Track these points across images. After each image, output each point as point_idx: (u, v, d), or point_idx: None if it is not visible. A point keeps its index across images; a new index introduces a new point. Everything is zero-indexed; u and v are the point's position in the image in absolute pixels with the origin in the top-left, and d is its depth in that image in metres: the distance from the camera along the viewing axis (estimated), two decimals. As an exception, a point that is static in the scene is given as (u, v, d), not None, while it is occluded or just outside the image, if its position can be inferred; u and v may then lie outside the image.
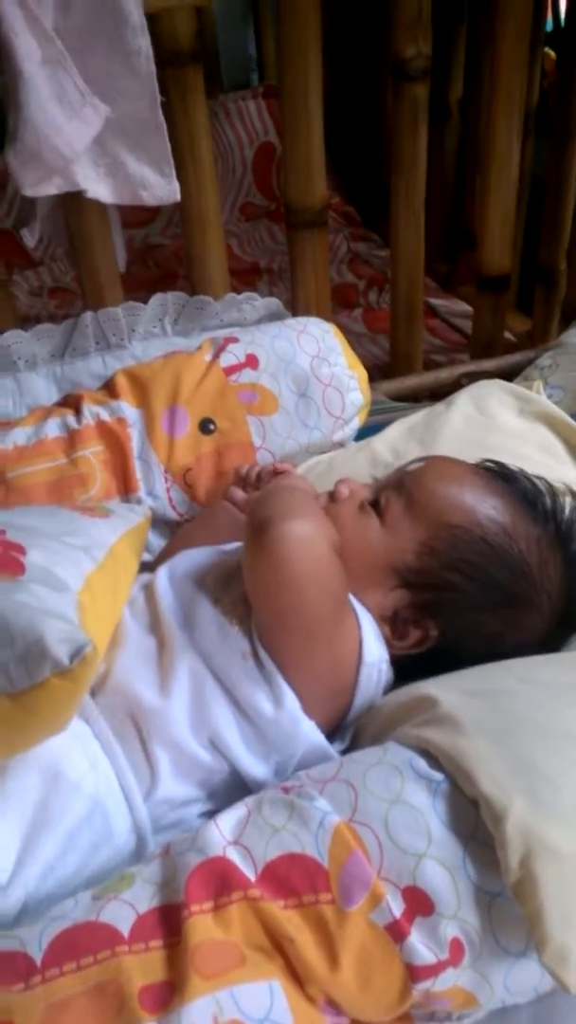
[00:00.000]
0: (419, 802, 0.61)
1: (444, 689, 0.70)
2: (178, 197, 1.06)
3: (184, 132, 1.11)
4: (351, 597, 0.76)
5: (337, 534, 0.76)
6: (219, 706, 0.70)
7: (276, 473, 0.94)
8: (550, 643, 0.79)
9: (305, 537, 0.68)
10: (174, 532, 1.04)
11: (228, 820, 0.63)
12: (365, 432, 1.17)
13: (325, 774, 0.66)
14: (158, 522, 1.04)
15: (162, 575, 0.81)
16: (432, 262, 2.06)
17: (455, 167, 2.17)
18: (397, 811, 0.61)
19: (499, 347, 1.50)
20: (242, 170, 2.45)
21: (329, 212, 2.34)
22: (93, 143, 1.00)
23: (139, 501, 1.01)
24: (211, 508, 0.97)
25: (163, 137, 1.04)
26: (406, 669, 0.78)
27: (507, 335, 1.67)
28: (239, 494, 0.92)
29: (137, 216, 2.29)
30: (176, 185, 1.05)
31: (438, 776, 0.63)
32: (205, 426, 1.05)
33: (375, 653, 0.74)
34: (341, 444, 1.15)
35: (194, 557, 0.84)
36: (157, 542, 1.04)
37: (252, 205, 2.46)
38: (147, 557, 1.00)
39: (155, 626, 0.76)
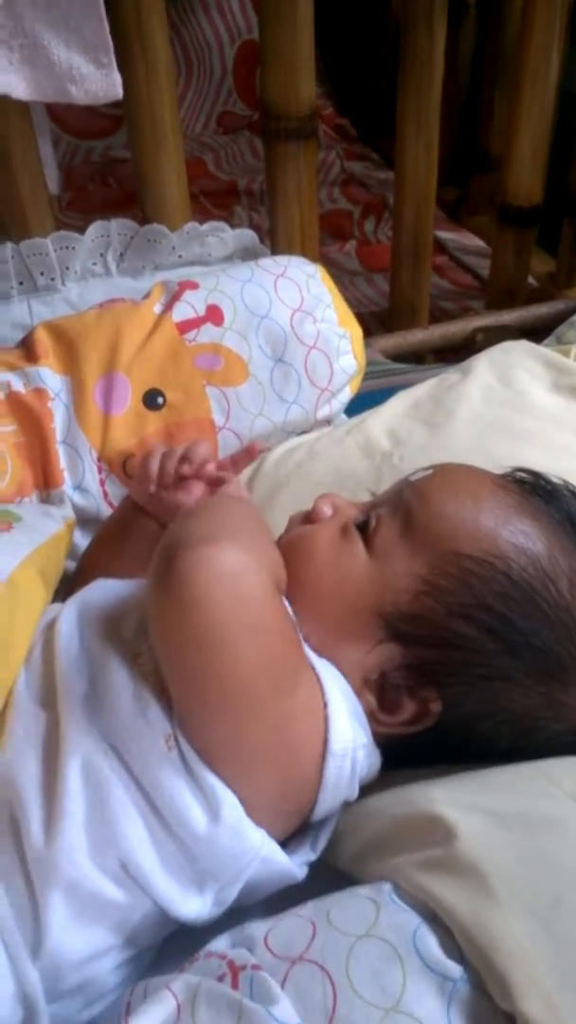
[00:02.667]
0: (427, 1013, 0.44)
1: (460, 805, 0.53)
2: (119, 93, 0.85)
3: (130, 8, 0.89)
4: (314, 658, 0.58)
5: (285, 571, 0.59)
6: (128, 817, 0.52)
7: (243, 456, 0.73)
8: None
9: (229, 571, 0.51)
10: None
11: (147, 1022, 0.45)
12: (357, 404, 1.00)
13: (291, 946, 0.48)
14: (91, 523, 0.85)
15: (68, 616, 0.62)
16: (440, 186, 1.87)
17: (469, 75, 1.95)
18: (394, 1026, 0.43)
19: (521, 295, 1.32)
20: (221, 73, 2.26)
21: (319, 123, 2.17)
22: (2, 19, 0.78)
23: (62, 499, 0.82)
24: (122, 507, 0.77)
25: (99, 13, 0.83)
26: (401, 752, 0.60)
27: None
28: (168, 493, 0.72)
29: (96, 124, 2.09)
30: (116, 77, 0.84)
31: (454, 970, 0.45)
32: (151, 399, 0.87)
33: (346, 738, 0.56)
34: (327, 421, 0.98)
35: (111, 590, 0.65)
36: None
37: (232, 115, 2.26)
38: (70, 564, 0.81)
39: (48, 694, 0.58)
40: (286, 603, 0.60)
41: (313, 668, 0.57)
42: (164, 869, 0.52)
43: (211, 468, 0.68)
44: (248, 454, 0.73)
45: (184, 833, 0.52)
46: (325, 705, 0.55)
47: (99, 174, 2.10)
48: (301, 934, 0.48)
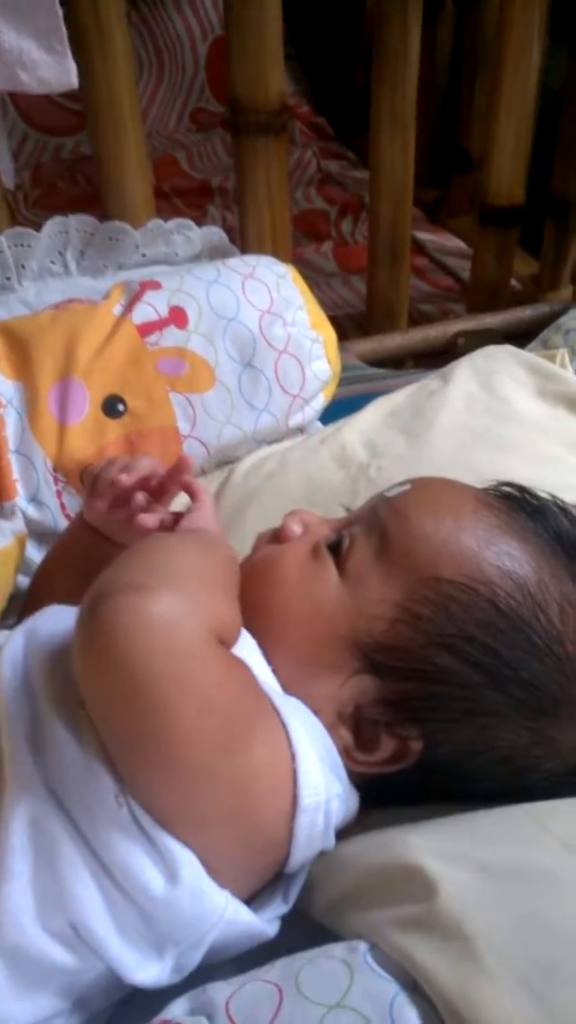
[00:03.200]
0: None
1: (442, 854, 0.49)
2: (73, 81, 0.82)
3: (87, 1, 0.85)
4: (279, 701, 0.53)
5: (239, 619, 0.55)
6: (79, 877, 0.48)
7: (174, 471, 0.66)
8: None
9: (159, 622, 0.46)
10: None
11: None
12: (332, 411, 0.97)
13: (256, 1016, 0.44)
14: (47, 537, 0.82)
15: (14, 645, 0.58)
16: (418, 187, 1.85)
17: (448, 71, 1.93)
18: None
19: (504, 297, 1.29)
20: (194, 69, 2.22)
21: (294, 121, 2.14)
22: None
23: (14, 511, 0.78)
24: (76, 521, 0.71)
25: (52, -2, 0.79)
26: (379, 791, 0.56)
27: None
28: (98, 505, 0.66)
29: (65, 121, 2.05)
30: (71, 65, 0.81)
31: (437, 1046, 0.40)
32: (111, 406, 0.83)
33: (318, 790, 0.51)
34: (300, 430, 0.95)
35: (62, 618, 0.60)
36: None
37: (205, 112, 2.23)
38: (23, 580, 0.78)
39: None
40: (247, 635, 0.56)
41: (279, 713, 0.52)
42: (119, 933, 0.48)
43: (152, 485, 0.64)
44: (177, 469, 0.66)
45: (140, 896, 0.47)
46: (293, 756, 0.51)
47: (68, 171, 2.06)
48: (267, 1001, 0.44)
